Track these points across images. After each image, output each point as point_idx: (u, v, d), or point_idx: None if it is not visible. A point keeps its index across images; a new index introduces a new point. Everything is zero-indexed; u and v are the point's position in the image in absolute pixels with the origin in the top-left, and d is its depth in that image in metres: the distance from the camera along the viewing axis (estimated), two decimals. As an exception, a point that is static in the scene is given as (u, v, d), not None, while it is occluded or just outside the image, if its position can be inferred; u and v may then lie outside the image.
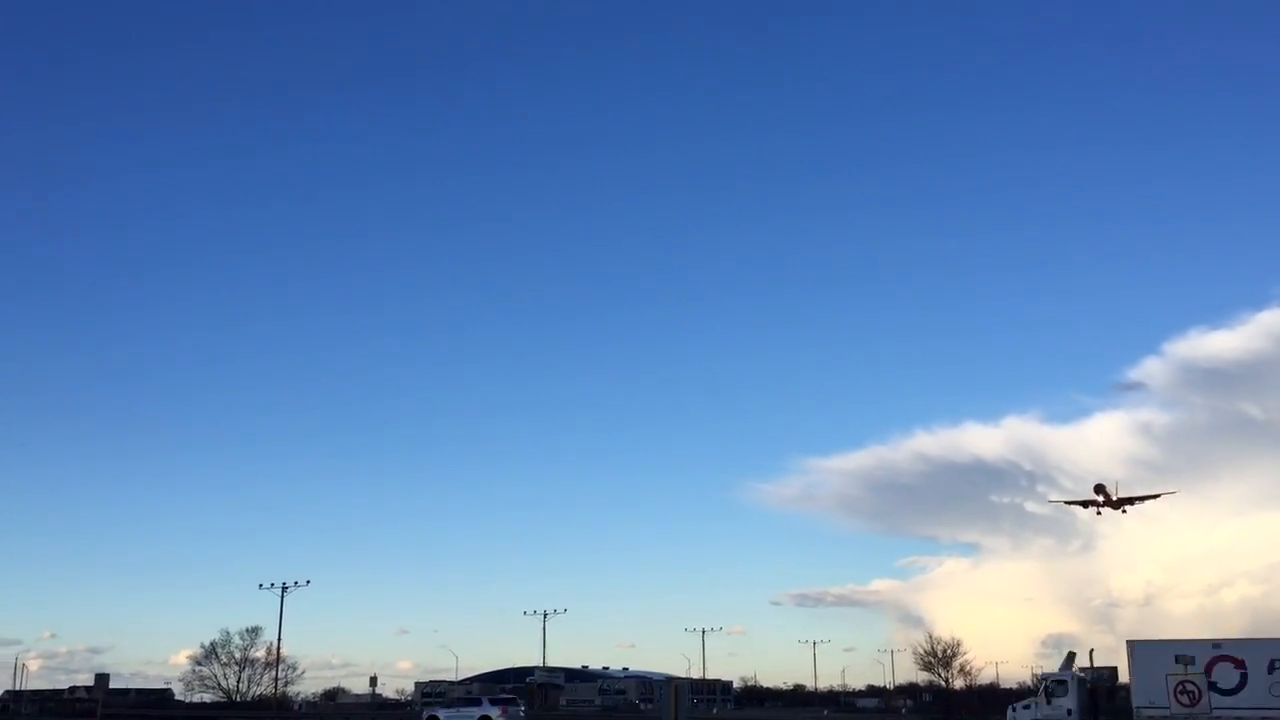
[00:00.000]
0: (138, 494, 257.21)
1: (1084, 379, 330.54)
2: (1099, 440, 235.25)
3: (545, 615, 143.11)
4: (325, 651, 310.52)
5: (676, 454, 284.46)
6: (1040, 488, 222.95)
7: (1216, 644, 55.67)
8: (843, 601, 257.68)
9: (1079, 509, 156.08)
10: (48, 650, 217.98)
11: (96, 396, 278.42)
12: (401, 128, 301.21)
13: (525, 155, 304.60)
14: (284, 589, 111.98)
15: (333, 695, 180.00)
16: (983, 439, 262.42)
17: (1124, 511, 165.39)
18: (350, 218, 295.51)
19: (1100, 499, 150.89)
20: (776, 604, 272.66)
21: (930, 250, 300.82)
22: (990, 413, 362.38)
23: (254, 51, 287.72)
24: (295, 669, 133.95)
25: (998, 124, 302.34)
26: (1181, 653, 55.19)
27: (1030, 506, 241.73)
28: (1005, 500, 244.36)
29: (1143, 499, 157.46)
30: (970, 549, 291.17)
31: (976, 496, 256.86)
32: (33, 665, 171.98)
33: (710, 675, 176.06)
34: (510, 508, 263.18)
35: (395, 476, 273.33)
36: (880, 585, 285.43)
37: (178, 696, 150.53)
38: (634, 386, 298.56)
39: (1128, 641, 57.68)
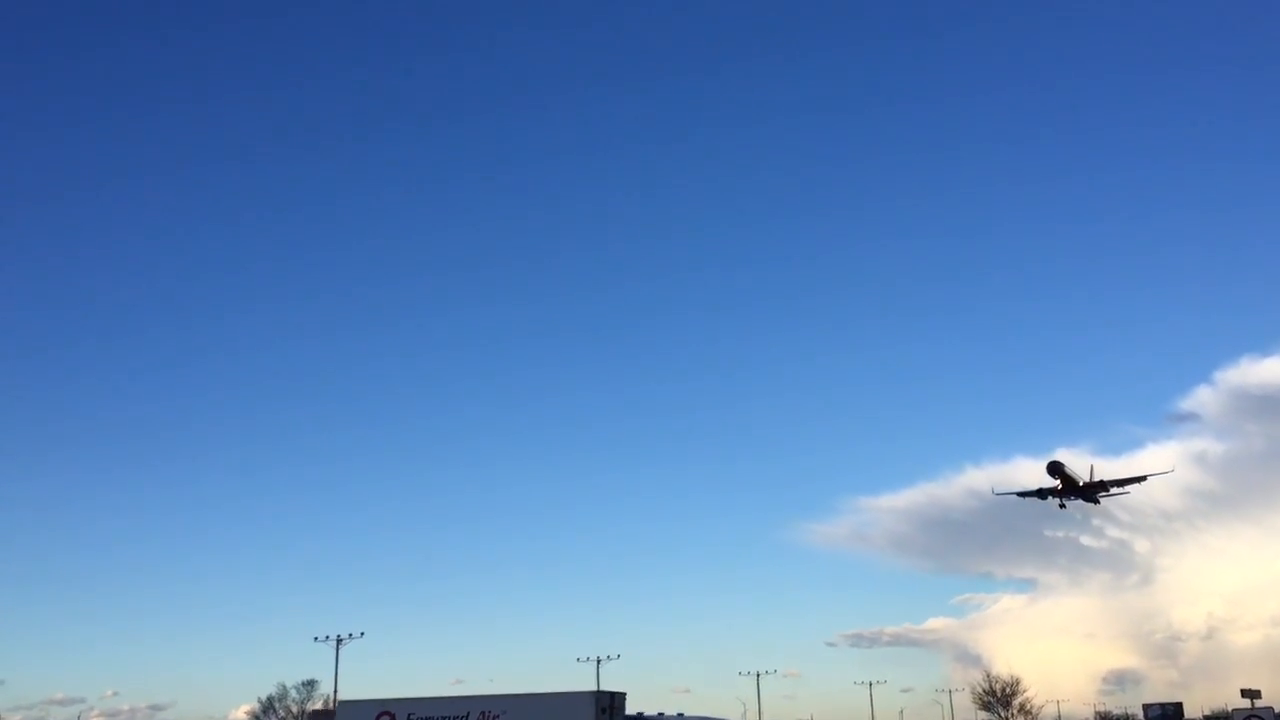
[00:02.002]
0: (194, 549, 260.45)
1: (1136, 410, 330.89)
2: (1153, 471, 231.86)
3: (599, 661, 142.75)
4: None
5: (726, 496, 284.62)
6: (1096, 521, 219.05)
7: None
8: (898, 641, 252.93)
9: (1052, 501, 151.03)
10: (110, 708, 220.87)
11: (154, 455, 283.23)
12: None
13: (598, 214, 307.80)
14: (339, 641, 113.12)
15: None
16: (1035, 473, 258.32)
17: (1097, 502, 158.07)
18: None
19: (1058, 484, 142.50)
20: (831, 645, 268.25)
21: (975, 284, 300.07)
22: (1041, 447, 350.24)
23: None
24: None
25: (1047, 155, 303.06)
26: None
27: (1086, 540, 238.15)
28: (1060, 535, 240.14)
29: (1123, 483, 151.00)
30: (1027, 585, 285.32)
31: (1031, 532, 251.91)
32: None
33: (766, 719, 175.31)
34: (562, 554, 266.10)
35: (447, 527, 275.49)
36: (936, 624, 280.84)
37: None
38: (684, 428, 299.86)
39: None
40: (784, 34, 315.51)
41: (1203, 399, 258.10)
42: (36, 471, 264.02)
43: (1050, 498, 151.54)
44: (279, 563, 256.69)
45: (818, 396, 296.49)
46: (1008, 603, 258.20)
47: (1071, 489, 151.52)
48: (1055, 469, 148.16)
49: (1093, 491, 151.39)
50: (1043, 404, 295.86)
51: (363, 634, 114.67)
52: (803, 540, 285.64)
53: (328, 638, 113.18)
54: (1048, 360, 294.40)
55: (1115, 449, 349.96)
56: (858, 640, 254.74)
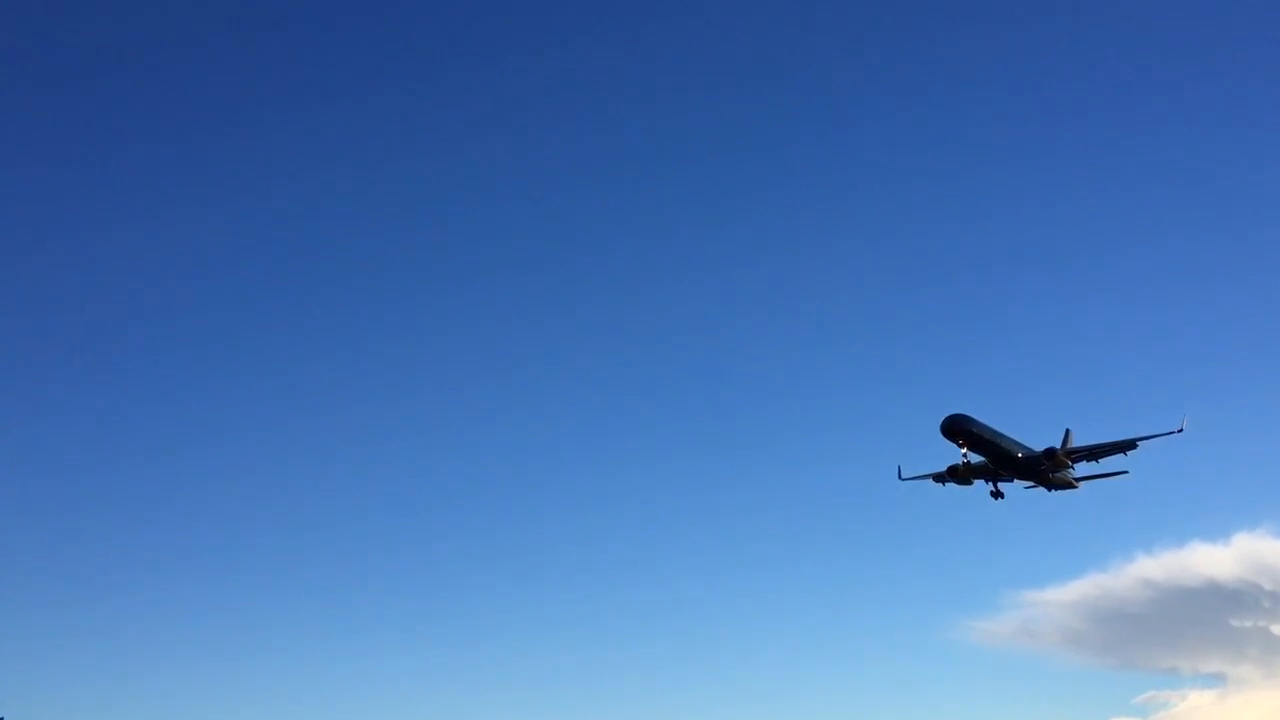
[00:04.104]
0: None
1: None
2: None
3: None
4: None
5: (882, 593, 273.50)
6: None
7: None
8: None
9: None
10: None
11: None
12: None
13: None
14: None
15: None
16: (1213, 559, 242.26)
17: (1071, 485, 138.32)
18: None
19: (964, 452, 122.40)
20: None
21: (1122, 355, 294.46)
22: (1217, 530, 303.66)
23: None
24: None
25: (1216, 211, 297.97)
26: None
27: (1277, 630, 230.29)
28: (1248, 624, 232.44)
29: (1095, 453, 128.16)
30: (1216, 680, 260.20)
31: (1215, 622, 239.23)
32: None
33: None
34: (714, 655, 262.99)
35: (589, 648, 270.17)
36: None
37: None
38: (836, 526, 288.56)
39: None
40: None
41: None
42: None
43: (964, 481, 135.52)
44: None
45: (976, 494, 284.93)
46: (1196, 699, 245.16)
47: (1004, 462, 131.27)
48: (955, 427, 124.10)
49: (1047, 468, 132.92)
50: (1216, 485, 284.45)
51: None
52: (966, 638, 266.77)
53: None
54: (1218, 438, 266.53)
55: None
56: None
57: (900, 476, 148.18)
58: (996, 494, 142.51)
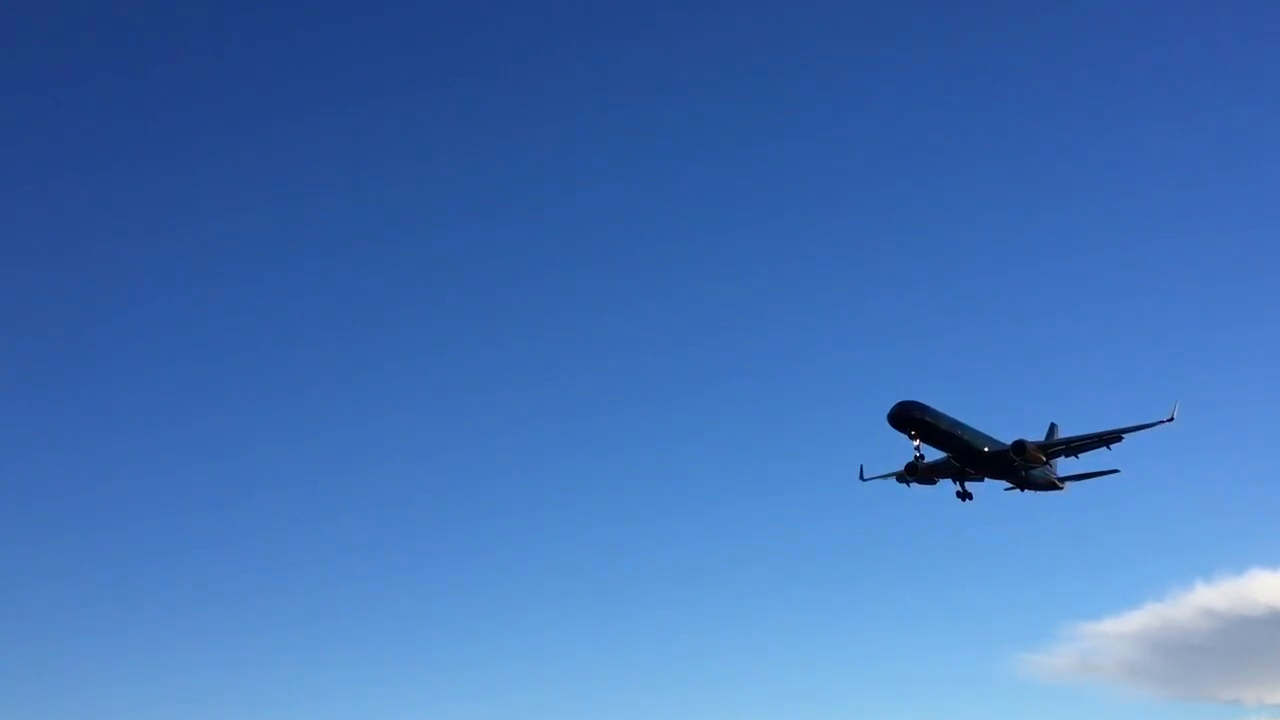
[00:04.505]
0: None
1: None
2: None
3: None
4: None
5: (934, 626, 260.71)
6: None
7: None
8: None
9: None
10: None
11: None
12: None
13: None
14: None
15: None
16: (1274, 587, 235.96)
17: (1056, 486, 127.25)
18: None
19: (916, 445, 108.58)
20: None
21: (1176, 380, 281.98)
22: (1277, 557, 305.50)
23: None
24: None
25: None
26: None
27: None
28: None
29: (1074, 447, 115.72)
30: None
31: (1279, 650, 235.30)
32: None
33: None
34: (765, 693, 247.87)
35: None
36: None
37: None
38: (882, 556, 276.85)
39: None
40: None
41: None
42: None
43: (926, 480, 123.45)
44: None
45: (1028, 519, 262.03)
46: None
47: (968, 457, 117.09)
48: (904, 416, 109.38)
49: (1019, 465, 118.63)
50: (1276, 506, 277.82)
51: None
52: (1023, 673, 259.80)
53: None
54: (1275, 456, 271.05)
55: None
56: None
57: (861, 477, 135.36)
58: (964, 495, 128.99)
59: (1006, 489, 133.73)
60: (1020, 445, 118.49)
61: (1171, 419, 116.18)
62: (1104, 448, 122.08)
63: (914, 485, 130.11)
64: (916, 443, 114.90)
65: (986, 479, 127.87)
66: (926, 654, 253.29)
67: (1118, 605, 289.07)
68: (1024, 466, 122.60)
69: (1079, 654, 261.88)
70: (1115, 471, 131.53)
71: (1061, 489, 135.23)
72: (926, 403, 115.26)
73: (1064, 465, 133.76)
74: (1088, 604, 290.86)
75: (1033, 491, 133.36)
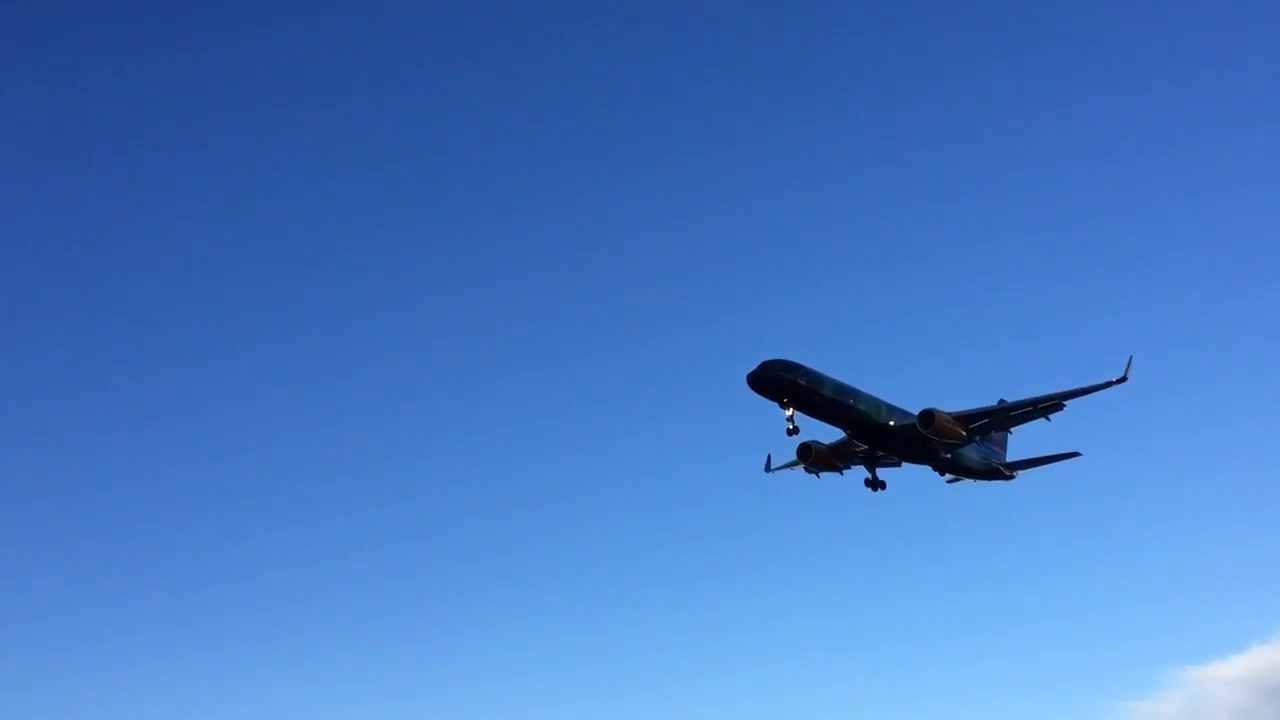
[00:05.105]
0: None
1: None
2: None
3: None
4: None
5: (1024, 675, 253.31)
6: None
7: None
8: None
9: None
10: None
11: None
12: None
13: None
14: None
15: None
16: None
17: (1006, 476, 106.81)
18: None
19: (791, 424, 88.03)
20: None
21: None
22: None
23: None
24: None
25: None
26: None
27: None
28: None
29: (1007, 417, 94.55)
30: None
31: None
32: None
33: None
34: None
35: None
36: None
37: None
38: (974, 599, 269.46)
39: None
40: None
41: None
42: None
43: (828, 466, 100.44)
44: None
45: (1123, 555, 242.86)
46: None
47: (869, 434, 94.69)
48: (768, 377, 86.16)
49: (935, 445, 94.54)
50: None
51: None
52: None
53: None
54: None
55: None
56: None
57: (767, 468, 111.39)
58: (874, 484, 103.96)
59: (950, 480, 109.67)
60: (928, 415, 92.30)
61: (1125, 379, 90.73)
62: (1043, 419, 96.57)
63: (823, 475, 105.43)
64: (789, 412, 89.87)
65: (904, 464, 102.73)
66: (1023, 707, 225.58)
67: (1222, 648, 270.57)
68: (941, 445, 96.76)
69: (1184, 700, 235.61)
70: (1076, 455, 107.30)
71: (1012, 478, 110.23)
72: (801, 362, 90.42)
73: (1022, 447, 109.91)
74: (1190, 647, 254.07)
75: (975, 481, 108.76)
